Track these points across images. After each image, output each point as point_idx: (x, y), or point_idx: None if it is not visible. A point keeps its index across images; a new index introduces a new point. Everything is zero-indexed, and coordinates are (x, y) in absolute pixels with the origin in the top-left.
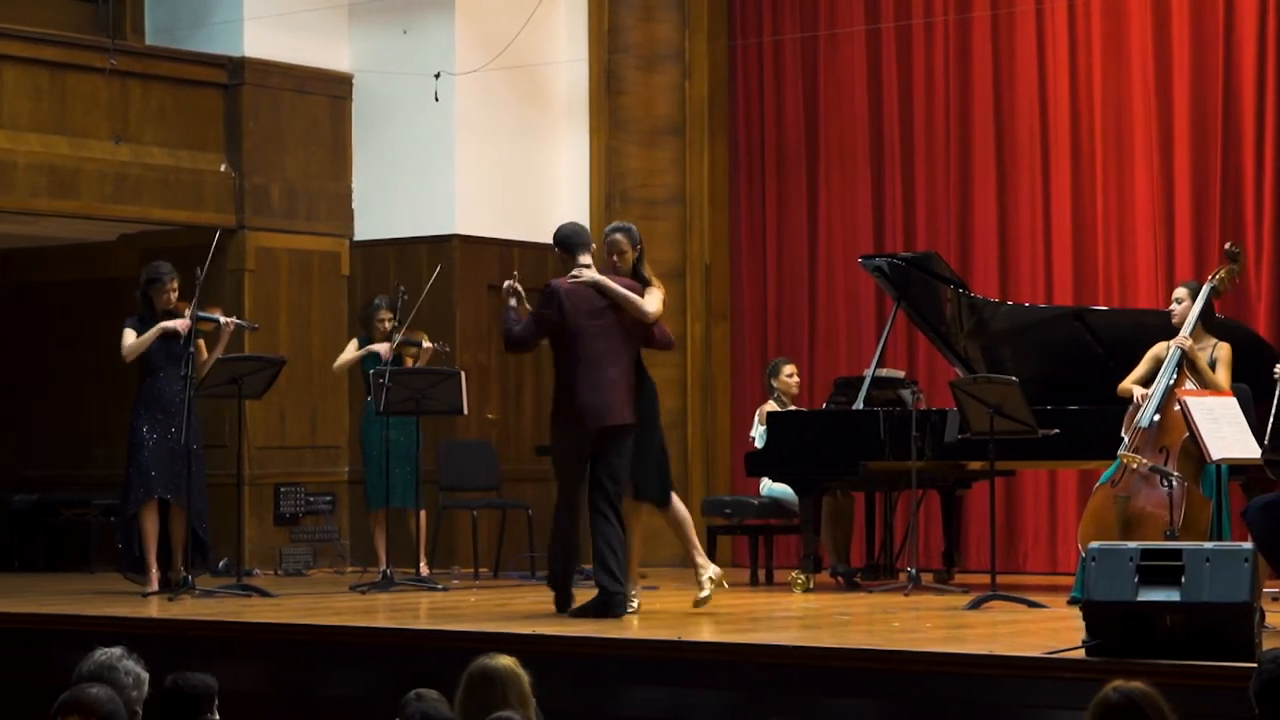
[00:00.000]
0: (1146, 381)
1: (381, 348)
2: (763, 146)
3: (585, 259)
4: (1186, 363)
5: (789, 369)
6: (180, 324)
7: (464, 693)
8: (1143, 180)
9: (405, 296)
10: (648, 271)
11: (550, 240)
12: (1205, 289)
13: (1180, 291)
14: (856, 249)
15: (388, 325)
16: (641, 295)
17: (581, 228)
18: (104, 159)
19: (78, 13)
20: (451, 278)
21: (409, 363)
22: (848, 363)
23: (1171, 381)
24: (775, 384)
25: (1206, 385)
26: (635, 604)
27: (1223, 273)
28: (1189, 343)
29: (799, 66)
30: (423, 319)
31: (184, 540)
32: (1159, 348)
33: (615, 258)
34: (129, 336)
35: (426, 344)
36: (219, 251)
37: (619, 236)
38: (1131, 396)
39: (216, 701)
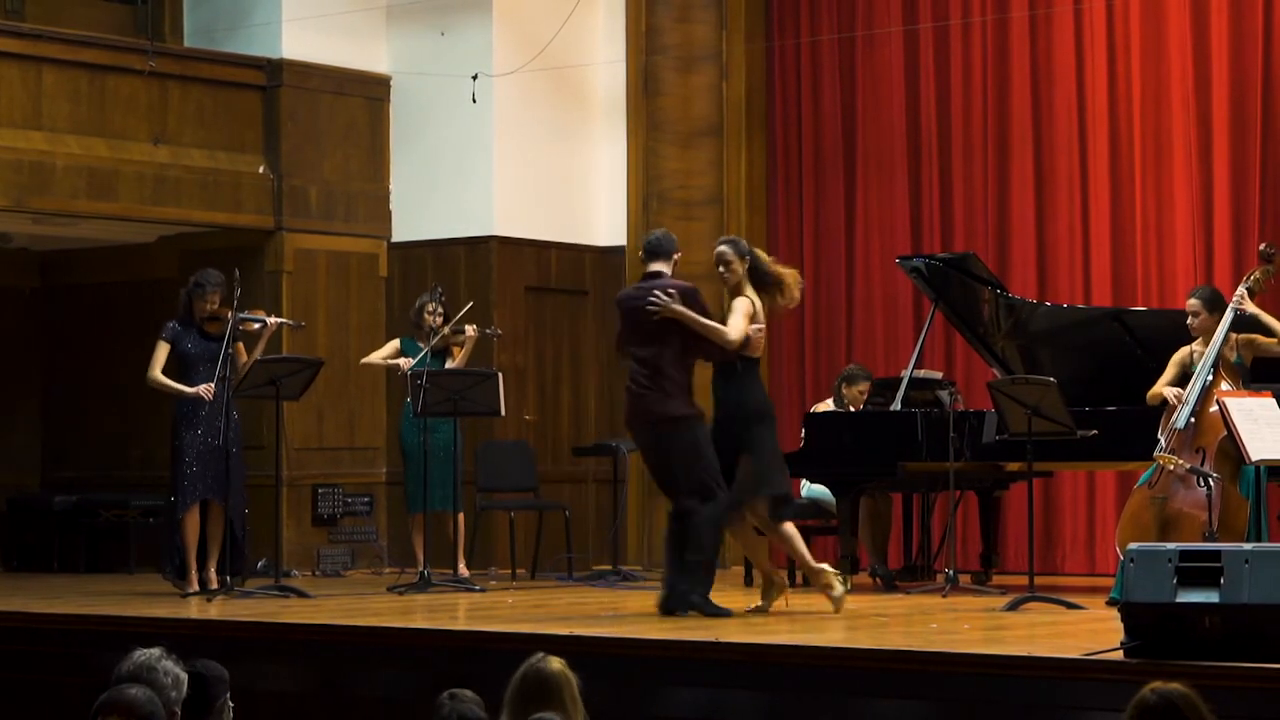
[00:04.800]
0: (1174, 386)
1: (406, 362)
2: (800, 147)
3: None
4: (1226, 360)
5: (864, 386)
6: (204, 390)
7: (515, 692)
8: (1181, 181)
9: (443, 297)
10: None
11: (587, 242)
12: (1241, 288)
13: (1193, 303)
14: (894, 250)
15: (436, 319)
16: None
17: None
18: (143, 161)
19: (116, 15)
20: (489, 279)
21: (455, 352)
22: (885, 364)
23: (1208, 381)
24: (845, 392)
25: (1273, 334)
26: None
27: (1258, 273)
28: (1247, 304)
29: (836, 67)
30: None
31: (221, 541)
32: (1182, 353)
33: (722, 269)
34: (160, 358)
35: (470, 331)
36: (257, 252)
37: (723, 249)
38: (1162, 403)
39: (229, 690)
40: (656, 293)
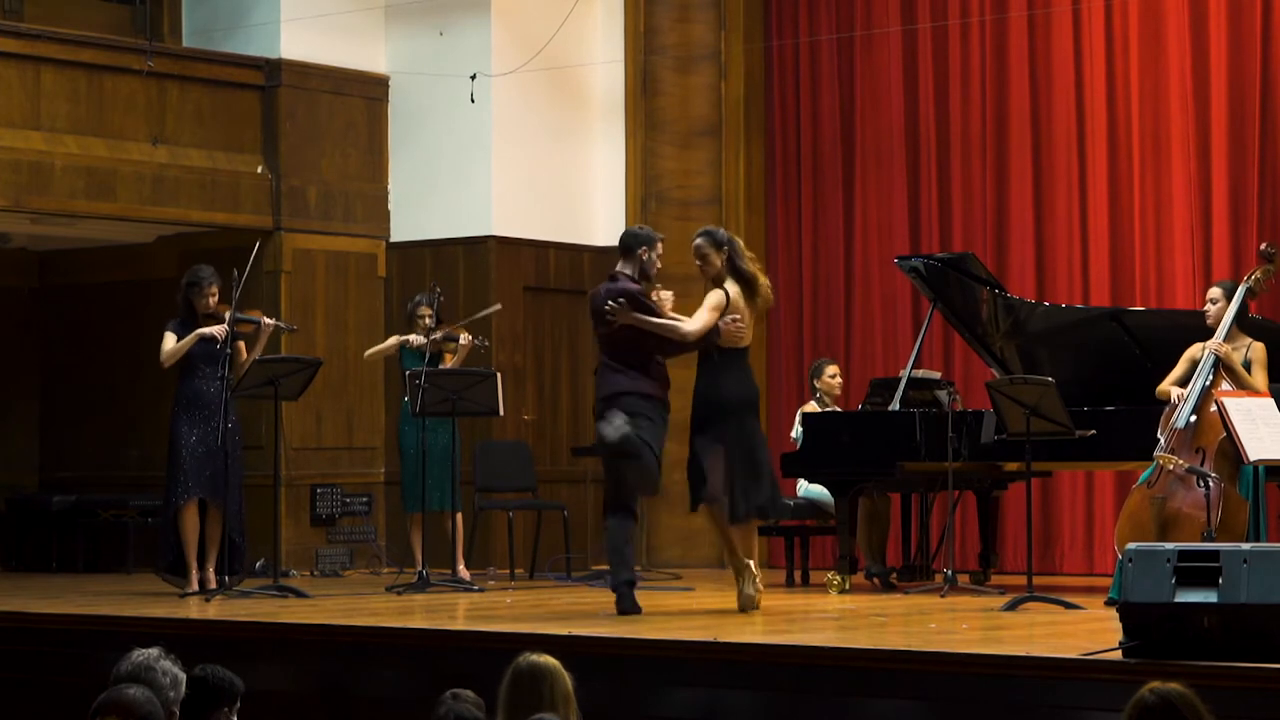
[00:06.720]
0: (1184, 383)
1: (416, 339)
2: (798, 147)
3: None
4: (1223, 365)
5: (832, 369)
6: (218, 330)
7: (508, 688)
8: (1180, 180)
9: (441, 297)
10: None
11: (586, 241)
12: (1241, 289)
13: (1215, 291)
14: (892, 250)
15: (427, 321)
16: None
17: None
18: (141, 161)
19: (115, 15)
20: (488, 279)
21: (448, 360)
22: (884, 364)
23: (1208, 383)
24: (818, 384)
25: (1243, 387)
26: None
27: (1259, 273)
28: (1224, 348)
29: (835, 67)
30: (458, 320)
31: (219, 541)
32: (1194, 349)
33: (699, 263)
34: (169, 341)
35: (464, 339)
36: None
37: (699, 242)
38: (1169, 398)
39: (238, 704)
40: (610, 304)
